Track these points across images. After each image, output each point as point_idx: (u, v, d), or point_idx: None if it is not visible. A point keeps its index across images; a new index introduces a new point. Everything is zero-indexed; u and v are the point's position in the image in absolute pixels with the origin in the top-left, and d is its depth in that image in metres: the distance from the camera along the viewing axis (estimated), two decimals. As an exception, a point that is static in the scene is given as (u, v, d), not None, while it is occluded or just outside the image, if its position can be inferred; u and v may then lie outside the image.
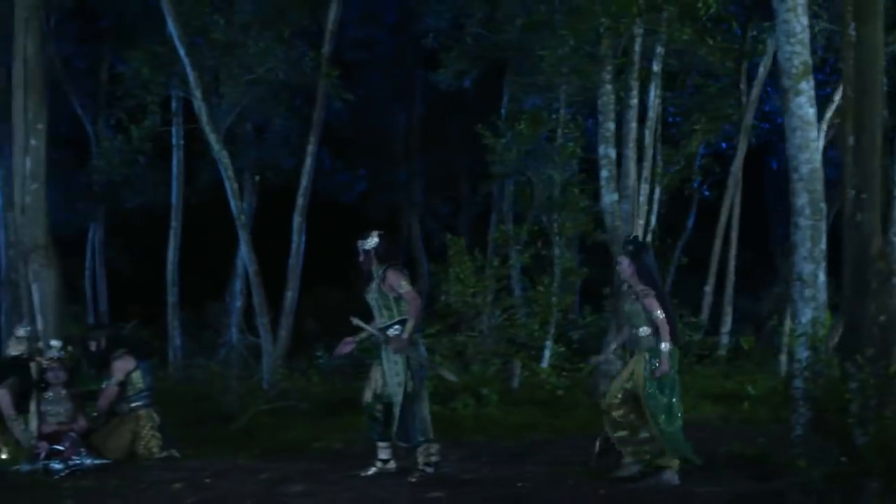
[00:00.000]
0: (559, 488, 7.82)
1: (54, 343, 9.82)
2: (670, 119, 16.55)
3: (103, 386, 9.77)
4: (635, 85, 11.92)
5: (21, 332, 9.68)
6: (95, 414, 9.71)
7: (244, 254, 13.85)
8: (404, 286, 8.32)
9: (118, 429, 9.58)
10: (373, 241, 8.53)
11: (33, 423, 9.28)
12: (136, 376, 9.72)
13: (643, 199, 14.44)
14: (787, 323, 15.09)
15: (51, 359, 9.56)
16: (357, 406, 12.05)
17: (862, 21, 7.28)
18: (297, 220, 15.44)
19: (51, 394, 9.46)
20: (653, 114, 14.19)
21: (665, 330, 7.76)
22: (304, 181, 15.33)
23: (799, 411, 7.29)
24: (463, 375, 12.01)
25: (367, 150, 22.04)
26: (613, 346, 8.88)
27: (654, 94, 14.23)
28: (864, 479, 6.30)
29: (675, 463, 7.85)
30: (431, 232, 22.75)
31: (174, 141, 16.61)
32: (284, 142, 17.46)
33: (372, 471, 8.45)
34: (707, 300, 17.30)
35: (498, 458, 9.26)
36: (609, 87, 9.06)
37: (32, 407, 9.32)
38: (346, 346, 8.87)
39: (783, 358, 14.83)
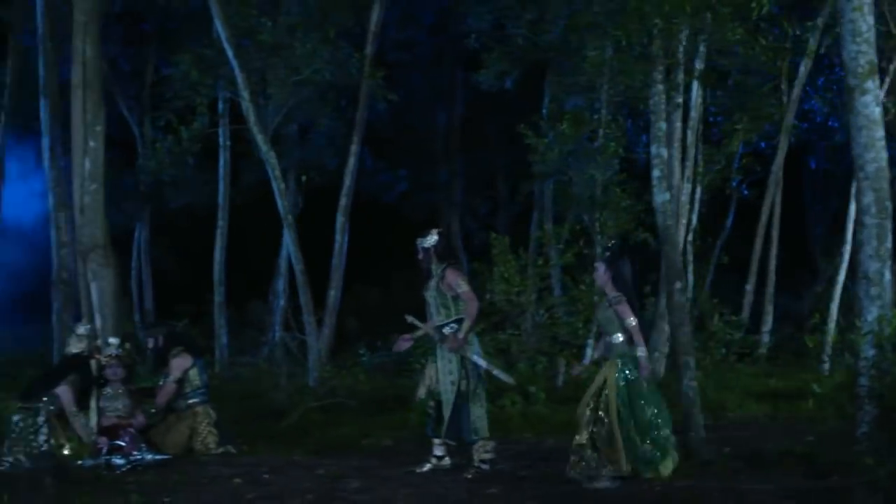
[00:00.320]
0: (615, 484, 7.89)
1: (112, 341, 10.06)
2: (711, 119, 16.59)
3: (161, 383, 10.00)
4: (681, 85, 11.99)
5: (81, 329, 9.88)
6: (154, 410, 9.93)
7: (291, 253, 14.00)
8: (462, 286, 8.40)
9: (176, 425, 9.80)
10: (432, 239, 8.64)
11: (93, 419, 9.49)
12: (193, 373, 9.94)
13: (685, 198, 14.57)
14: (831, 322, 15.29)
15: (109, 356, 9.78)
16: (404, 403, 12.35)
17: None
18: (341, 219, 15.62)
19: (109, 390, 9.68)
20: (695, 113, 14.30)
21: (639, 336, 7.82)
22: (348, 181, 15.52)
23: (864, 409, 7.30)
24: (510, 373, 12.10)
25: (408, 151, 22.20)
26: (596, 354, 8.82)
27: (696, 93, 14.35)
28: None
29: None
30: (471, 231, 22.88)
31: (221, 142, 16.80)
32: (328, 142, 17.61)
33: (427, 467, 8.57)
34: (748, 299, 17.30)
35: (549, 454, 9.31)
36: (661, 87, 9.11)
37: (92, 403, 9.54)
38: (404, 344, 8.97)
39: (826, 356, 14.89)
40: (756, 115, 15.36)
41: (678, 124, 12.78)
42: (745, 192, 18.38)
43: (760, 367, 15.79)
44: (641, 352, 7.80)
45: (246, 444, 10.05)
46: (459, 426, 8.43)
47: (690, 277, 15.52)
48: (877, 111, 7.63)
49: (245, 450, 9.86)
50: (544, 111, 16.65)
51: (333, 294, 15.72)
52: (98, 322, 10.84)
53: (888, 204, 7.63)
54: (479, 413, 8.45)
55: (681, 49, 11.08)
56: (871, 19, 7.54)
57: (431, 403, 8.59)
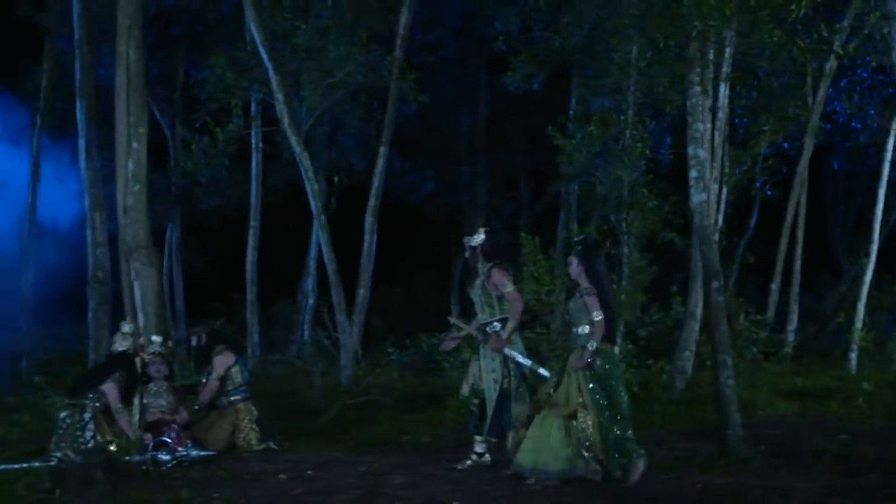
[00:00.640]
0: (655, 482, 7.95)
1: (155, 339, 10.23)
2: (736, 120, 16.71)
3: (203, 380, 10.18)
4: (711, 86, 12.12)
5: (126, 328, 10.04)
6: (196, 407, 10.11)
7: (324, 253, 14.18)
8: (508, 286, 8.46)
9: (218, 422, 9.96)
10: (479, 237, 8.67)
11: (137, 416, 9.66)
12: (236, 371, 10.11)
13: (712, 198, 14.68)
14: (858, 321, 15.39)
15: (152, 353, 9.96)
16: (437, 401, 12.51)
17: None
18: (369, 220, 15.79)
19: (153, 387, 9.86)
20: (722, 115, 14.40)
21: (599, 331, 7.82)
22: (376, 182, 15.69)
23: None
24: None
25: (433, 152, 22.35)
26: None
27: (723, 95, 14.46)
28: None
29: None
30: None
31: (253, 143, 16.98)
32: (357, 143, 17.79)
33: (467, 464, 8.66)
34: (773, 298, 17.41)
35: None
36: (697, 88, 9.25)
37: (137, 400, 9.71)
38: (451, 343, 9.07)
39: (853, 355, 15.00)
40: (782, 117, 15.44)
41: (707, 125, 12.88)
42: (769, 193, 18.49)
43: (786, 365, 15.90)
44: (591, 345, 7.79)
45: (286, 440, 10.20)
46: (502, 424, 8.55)
47: (718, 277, 15.60)
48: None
49: (286, 446, 10.01)
50: (571, 113, 16.79)
51: (362, 293, 15.91)
52: (140, 320, 11.03)
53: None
54: (520, 411, 8.54)
55: (711, 51, 11.23)
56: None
57: (475, 401, 8.69)
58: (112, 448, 9.38)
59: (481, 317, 8.63)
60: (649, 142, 15.32)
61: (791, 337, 17.03)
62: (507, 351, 8.52)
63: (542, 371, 8.98)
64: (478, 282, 8.62)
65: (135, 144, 10.81)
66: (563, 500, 7.47)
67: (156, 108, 18.48)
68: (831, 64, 15.69)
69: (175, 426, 9.54)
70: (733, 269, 17.65)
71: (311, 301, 17.58)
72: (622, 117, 15.26)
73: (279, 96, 13.40)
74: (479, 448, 8.71)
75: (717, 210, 15.45)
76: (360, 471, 8.75)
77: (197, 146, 16.19)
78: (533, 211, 22.54)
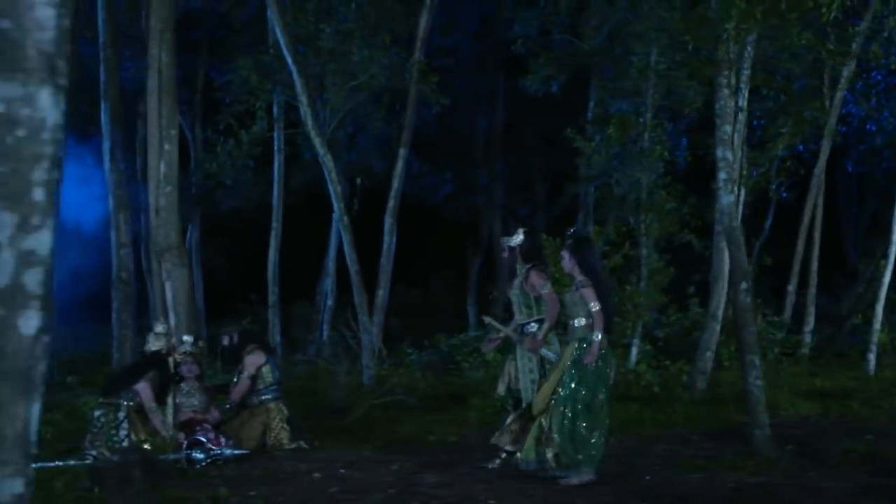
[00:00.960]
0: (686, 482, 8.08)
1: (186, 338, 10.34)
2: (754, 122, 16.81)
3: (235, 380, 10.29)
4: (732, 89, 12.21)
5: (160, 328, 10.14)
6: (228, 406, 10.21)
7: (347, 254, 14.30)
8: (545, 287, 8.47)
9: (249, 421, 10.05)
10: (518, 238, 8.67)
11: (170, 415, 9.77)
12: (266, 370, 10.19)
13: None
14: (877, 322, 15.49)
15: (184, 353, 10.07)
16: (460, 401, 12.61)
17: None
18: (389, 221, 15.90)
19: (185, 387, 9.97)
20: (742, 117, 14.51)
21: (599, 322, 7.82)
22: (396, 183, 15.80)
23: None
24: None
25: (450, 154, 22.48)
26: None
27: (743, 97, 14.56)
28: None
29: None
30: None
31: (276, 145, 17.11)
32: (376, 145, 17.91)
33: (497, 463, 8.72)
34: (790, 299, 17.53)
35: (617, 451, 9.43)
36: (726, 91, 9.35)
37: (170, 399, 9.82)
38: (491, 344, 9.09)
39: (872, 356, 15.09)
40: (800, 119, 15.54)
41: (728, 127, 12.98)
42: (784, 195, 18.60)
43: (803, 366, 16.01)
44: (597, 336, 7.81)
45: (315, 439, 10.26)
46: (533, 414, 8.64)
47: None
48: None
49: (316, 445, 10.08)
50: (589, 115, 16.91)
51: (382, 294, 16.02)
52: (172, 320, 11.13)
53: None
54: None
55: (730, 53, 11.33)
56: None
57: (511, 401, 8.76)
58: (146, 447, 9.52)
59: (519, 317, 8.68)
60: (668, 144, 15.45)
61: (808, 338, 17.13)
62: (542, 351, 8.59)
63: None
64: (516, 282, 8.67)
65: (166, 146, 10.92)
66: (599, 500, 7.55)
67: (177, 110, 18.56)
68: (850, 67, 15.77)
69: (207, 425, 9.64)
70: (749, 270, 17.72)
71: (329, 302, 17.70)
72: (641, 120, 15.38)
73: (303, 98, 13.52)
74: (510, 447, 8.72)
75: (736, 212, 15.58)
76: (391, 469, 8.82)
77: (222, 148, 16.29)
78: (550, 212, 22.65)
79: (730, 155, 9.37)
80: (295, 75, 13.57)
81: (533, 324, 8.58)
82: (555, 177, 22.28)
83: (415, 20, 15.55)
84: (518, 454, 8.45)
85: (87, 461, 9.15)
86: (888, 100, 18.87)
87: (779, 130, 15.56)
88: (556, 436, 7.95)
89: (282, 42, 13.57)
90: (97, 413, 9.57)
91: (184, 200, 18.86)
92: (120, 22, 14.98)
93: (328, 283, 17.86)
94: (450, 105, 17.23)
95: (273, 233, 17.28)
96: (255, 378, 10.13)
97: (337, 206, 14.08)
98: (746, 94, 14.63)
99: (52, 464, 8.96)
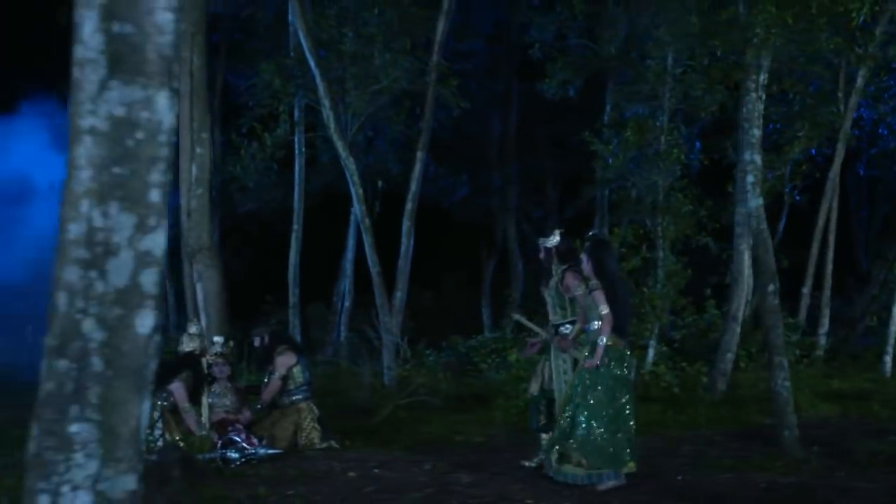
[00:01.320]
0: (718, 481, 8.15)
1: (217, 339, 10.43)
2: (770, 126, 16.92)
3: (266, 380, 10.38)
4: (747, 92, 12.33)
5: (193, 329, 10.23)
6: (259, 406, 10.30)
7: (368, 256, 14.39)
8: (579, 289, 8.36)
9: (281, 421, 10.12)
10: (554, 239, 8.65)
11: (204, 415, 9.86)
12: (297, 371, 10.28)
13: (748, 203, 14.90)
14: (893, 325, 15.60)
15: (216, 354, 10.16)
16: (483, 402, 12.72)
17: None
18: (406, 224, 15.97)
19: (217, 387, 10.07)
20: (759, 120, 14.61)
21: (607, 326, 7.82)
22: (414, 186, 15.87)
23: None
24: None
25: (465, 157, 22.57)
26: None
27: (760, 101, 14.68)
28: None
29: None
30: (526, 235, 23.26)
31: (296, 148, 17.19)
32: (394, 148, 18.00)
33: (534, 462, 8.79)
34: (804, 302, 17.63)
35: (644, 452, 9.45)
36: (754, 94, 9.47)
37: (204, 399, 9.92)
38: (531, 349, 9.04)
39: (888, 358, 15.20)
40: (816, 123, 15.65)
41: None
42: (797, 198, 18.70)
43: (818, 368, 16.11)
44: (601, 340, 7.82)
45: (345, 439, 10.35)
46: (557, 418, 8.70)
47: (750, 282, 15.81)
48: None
49: (347, 445, 10.16)
50: (605, 119, 17.02)
51: (399, 296, 16.09)
52: (203, 321, 11.22)
53: None
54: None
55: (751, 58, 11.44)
56: None
57: (544, 401, 8.79)
58: (181, 446, 9.61)
59: (553, 318, 8.73)
60: (684, 147, 15.57)
61: (822, 340, 17.24)
62: (572, 352, 8.64)
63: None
64: (552, 283, 8.69)
65: (198, 149, 11.03)
66: (633, 499, 7.64)
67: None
68: (863, 71, 15.88)
69: (239, 426, 9.72)
70: (776, 272, 17.80)
71: (347, 303, 17.78)
72: (657, 123, 15.49)
73: (326, 102, 13.61)
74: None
75: (752, 215, 15.69)
76: (424, 469, 8.89)
77: (245, 151, 16.37)
78: (562, 215, 22.76)
79: (758, 158, 9.48)
80: (318, 79, 13.67)
81: (568, 325, 8.61)
82: (568, 180, 22.41)
83: (432, 25, 15.64)
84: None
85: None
86: (900, 103, 18.99)
87: (795, 134, 15.66)
88: (571, 441, 7.97)
89: (305, 46, 13.67)
90: (131, 413, 9.63)
91: (204, 203, 19.16)
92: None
93: (345, 284, 17.95)
94: (466, 108, 17.32)
95: (293, 235, 17.36)
96: (285, 378, 10.21)
97: (359, 208, 14.18)
98: (764, 98, 14.80)
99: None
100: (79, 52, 3.02)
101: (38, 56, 19.56)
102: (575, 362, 8.57)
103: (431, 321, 19.55)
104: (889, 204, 21.81)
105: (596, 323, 7.94)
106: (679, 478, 8.38)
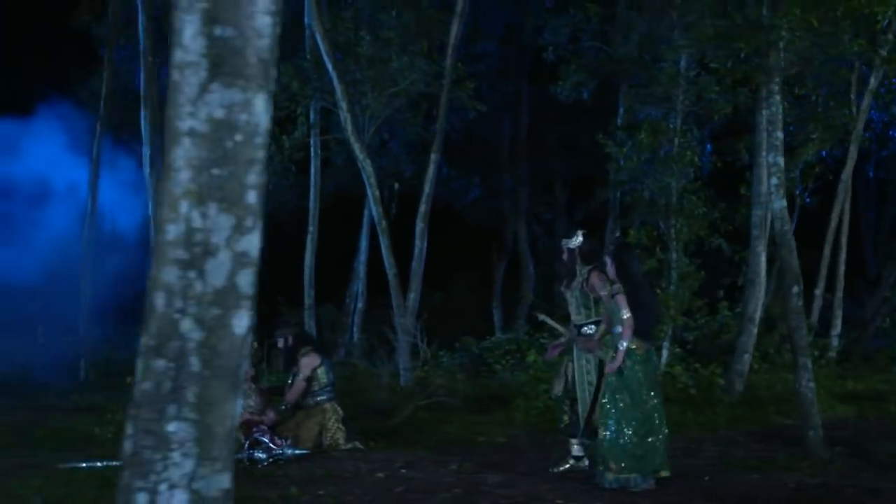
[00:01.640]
0: (746, 482, 8.20)
1: (241, 341, 10.44)
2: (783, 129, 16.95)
3: (290, 381, 10.42)
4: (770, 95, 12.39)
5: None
6: (283, 407, 10.34)
7: (385, 258, 14.46)
8: (605, 289, 8.34)
9: (305, 422, 10.16)
10: (577, 240, 8.64)
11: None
12: (321, 372, 10.32)
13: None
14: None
15: (239, 356, 10.17)
16: (502, 403, 12.75)
17: None
18: (420, 225, 16.02)
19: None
20: (781, 123, 14.67)
21: (628, 330, 7.82)
22: (427, 188, 15.92)
23: None
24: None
25: (477, 159, 22.62)
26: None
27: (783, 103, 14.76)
28: None
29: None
30: (537, 236, 23.35)
31: (313, 151, 17.25)
32: (407, 150, 18.05)
33: (565, 467, 8.82)
34: (817, 303, 17.68)
35: (670, 453, 9.37)
36: (778, 97, 9.52)
37: (231, 400, 9.93)
38: (554, 351, 9.03)
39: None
40: (829, 126, 15.71)
41: (764, 134, 13.18)
42: (808, 200, 18.76)
43: (832, 369, 16.16)
44: (622, 345, 7.84)
45: (370, 440, 10.40)
46: (595, 425, 8.72)
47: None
48: None
49: (371, 445, 10.21)
50: (619, 121, 17.09)
51: (413, 297, 16.14)
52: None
53: None
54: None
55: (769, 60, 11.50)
56: None
57: (567, 402, 8.79)
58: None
59: (576, 318, 8.71)
60: (697, 150, 15.63)
61: (835, 342, 17.30)
62: (598, 353, 8.62)
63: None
64: (575, 283, 8.67)
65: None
66: (665, 500, 7.68)
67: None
68: (876, 73, 15.95)
69: (264, 427, 9.75)
70: (799, 274, 17.87)
71: (360, 304, 17.83)
72: (671, 125, 15.55)
73: (343, 105, 13.67)
74: (576, 451, 8.81)
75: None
76: (450, 470, 8.92)
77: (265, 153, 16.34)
78: (572, 217, 22.83)
79: (781, 161, 9.53)
80: (335, 82, 13.74)
81: (591, 325, 8.61)
82: (577, 182, 22.49)
83: (446, 28, 15.70)
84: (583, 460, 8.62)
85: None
86: (911, 105, 19.07)
87: (809, 136, 15.72)
88: (605, 444, 7.97)
89: (322, 49, 13.74)
90: (158, 414, 9.66)
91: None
92: (157, 29, 15.11)
93: (358, 286, 17.99)
94: (482, 111, 17.37)
95: (309, 237, 17.43)
96: (310, 379, 10.25)
97: (376, 210, 14.24)
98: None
99: (117, 463, 9.08)
100: (178, 55, 3.06)
101: (55, 58, 19.66)
102: (599, 363, 8.56)
103: (442, 323, 19.54)
104: (898, 206, 21.95)
105: (618, 327, 7.93)
106: (706, 478, 8.39)
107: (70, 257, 17.21)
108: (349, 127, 13.86)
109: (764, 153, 13.27)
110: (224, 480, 3.12)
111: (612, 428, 7.93)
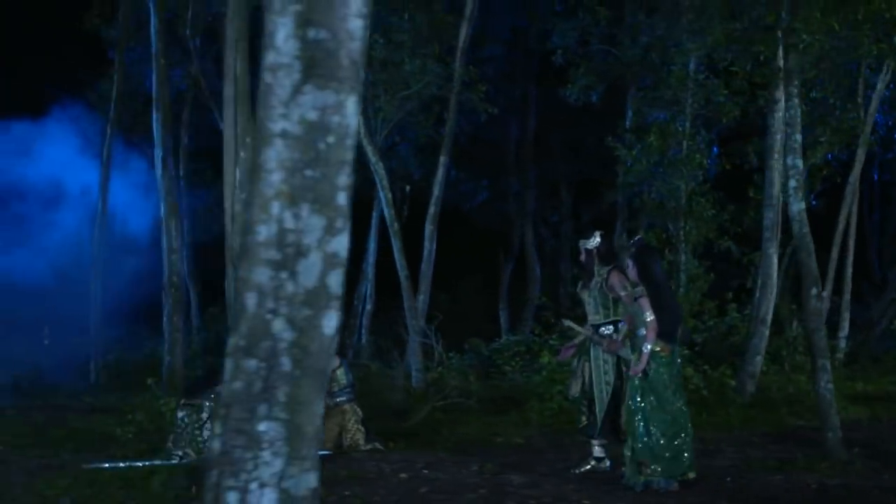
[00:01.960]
0: (768, 483, 8.26)
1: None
2: (789, 131, 17.02)
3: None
4: (782, 97, 12.45)
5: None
6: (303, 409, 10.35)
7: (396, 260, 14.49)
8: (625, 289, 8.30)
9: (325, 422, 10.13)
10: (595, 240, 8.64)
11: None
12: (340, 373, 10.36)
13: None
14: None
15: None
16: (517, 404, 12.79)
17: None
18: (429, 227, 16.04)
19: (261, 391, 10.12)
20: (799, 125, 14.76)
21: (652, 332, 7.82)
22: (436, 191, 15.94)
23: None
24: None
25: (485, 161, 22.65)
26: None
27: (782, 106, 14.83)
28: None
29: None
30: (544, 238, 23.38)
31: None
32: (416, 153, 18.06)
33: (586, 468, 8.84)
34: (825, 306, 17.72)
35: (698, 452, 9.60)
36: (796, 100, 9.57)
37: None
38: (568, 352, 9.02)
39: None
40: (838, 129, 15.79)
41: (777, 136, 13.28)
42: (814, 203, 18.84)
43: (840, 371, 16.22)
44: (646, 348, 7.82)
45: (389, 441, 10.44)
46: (614, 425, 8.68)
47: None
48: None
49: (391, 446, 10.24)
50: (627, 124, 17.15)
51: (423, 299, 16.17)
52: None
53: None
54: (632, 412, 8.78)
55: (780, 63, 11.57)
56: None
57: (585, 402, 8.77)
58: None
59: (594, 318, 8.68)
60: (706, 152, 15.71)
61: (843, 344, 17.38)
62: (621, 353, 8.55)
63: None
64: (593, 283, 8.65)
65: (242, 154, 11.01)
66: (689, 500, 7.72)
67: (218, 118, 18.73)
68: (884, 77, 16.02)
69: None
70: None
71: (368, 306, 17.85)
72: (680, 128, 15.62)
73: (357, 107, 13.66)
74: (597, 453, 8.83)
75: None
76: (472, 470, 8.93)
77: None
78: (578, 220, 22.89)
79: (800, 163, 9.59)
80: (348, 84, 13.71)
81: (609, 325, 8.59)
82: (583, 184, 22.53)
83: (455, 31, 15.73)
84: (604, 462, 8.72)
85: (174, 461, 9.30)
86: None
87: (817, 139, 15.81)
88: (637, 445, 7.96)
89: (335, 51, 13.72)
90: (181, 414, 9.67)
91: (221, 207, 19.14)
92: (168, 32, 15.16)
93: (367, 287, 18.01)
94: (493, 114, 17.40)
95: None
96: (329, 381, 10.27)
97: (388, 212, 14.28)
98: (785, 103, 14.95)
99: (139, 463, 9.13)
100: (271, 57, 3.09)
101: (66, 61, 19.65)
102: (617, 363, 8.58)
103: (448, 325, 19.56)
104: (904, 209, 22.03)
105: (642, 329, 7.92)
106: (728, 479, 8.44)
107: (81, 259, 17.22)
108: (362, 129, 13.88)
109: (777, 155, 13.43)
110: (312, 479, 3.16)
111: (641, 430, 7.94)
